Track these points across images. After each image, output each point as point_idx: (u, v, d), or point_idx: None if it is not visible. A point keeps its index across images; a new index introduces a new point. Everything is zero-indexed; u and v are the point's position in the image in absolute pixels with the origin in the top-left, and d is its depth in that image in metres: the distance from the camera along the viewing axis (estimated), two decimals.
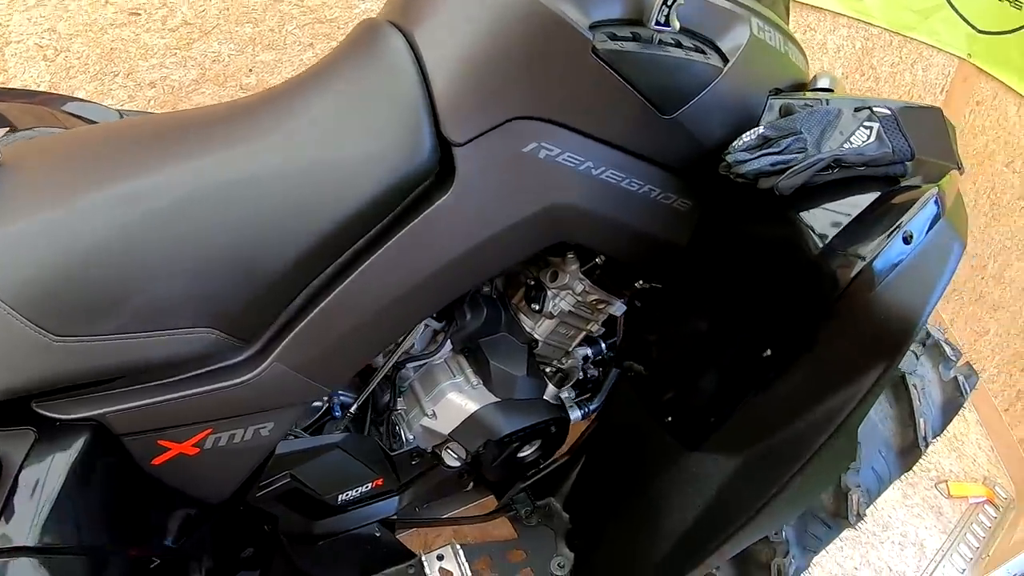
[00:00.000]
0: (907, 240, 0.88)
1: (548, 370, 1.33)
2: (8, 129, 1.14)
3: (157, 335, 0.85)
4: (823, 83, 1.14)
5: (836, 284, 0.89)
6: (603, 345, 1.37)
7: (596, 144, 0.97)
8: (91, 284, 0.82)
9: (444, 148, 0.91)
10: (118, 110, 1.49)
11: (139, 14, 2.06)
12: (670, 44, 0.96)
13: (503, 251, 1.01)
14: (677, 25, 0.93)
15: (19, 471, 0.78)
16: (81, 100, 1.49)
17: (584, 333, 1.30)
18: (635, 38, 0.93)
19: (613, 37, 0.92)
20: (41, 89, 2.13)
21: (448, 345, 1.21)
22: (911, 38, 2.59)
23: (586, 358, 1.36)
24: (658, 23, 0.92)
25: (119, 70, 2.10)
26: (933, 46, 2.58)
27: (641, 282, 1.20)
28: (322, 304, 0.92)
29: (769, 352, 0.95)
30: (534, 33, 0.89)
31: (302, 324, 0.93)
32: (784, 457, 0.95)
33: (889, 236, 0.88)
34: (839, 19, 2.60)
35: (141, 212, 0.83)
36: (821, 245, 0.91)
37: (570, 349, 1.32)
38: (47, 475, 0.80)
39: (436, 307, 1.09)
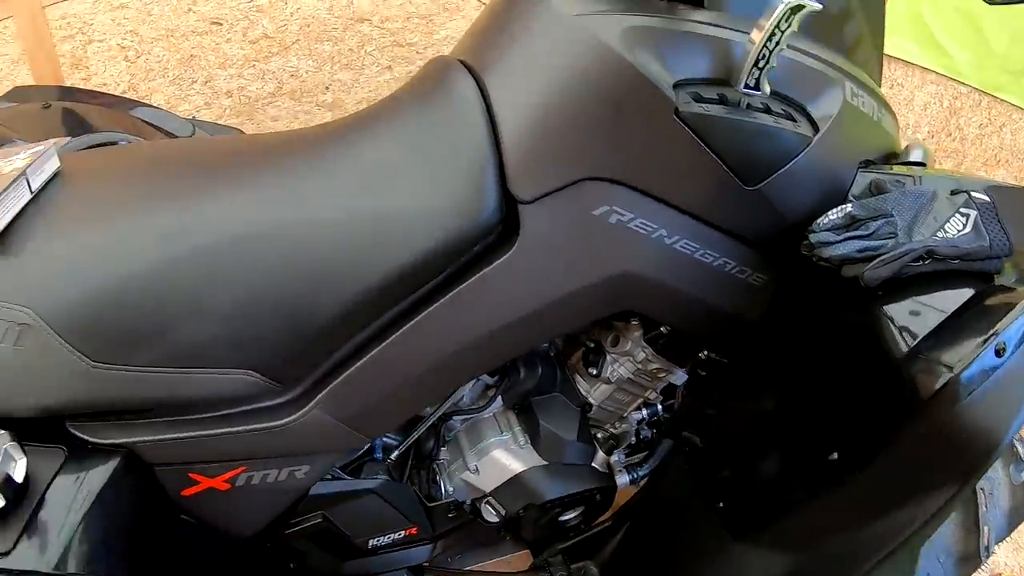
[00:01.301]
0: (999, 352, 0.79)
1: (600, 436, 1.28)
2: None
3: (195, 372, 0.84)
4: (916, 156, 1.06)
5: (918, 394, 0.80)
6: (659, 407, 1.31)
7: (671, 211, 0.91)
8: (132, 314, 0.80)
9: (509, 204, 0.87)
10: (191, 120, 1.51)
11: (221, 24, 2.08)
12: (758, 109, 0.89)
13: (563, 316, 0.96)
14: (768, 90, 0.86)
15: (47, 489, 0.77)
16: (152, 107, 1.55)
17: (641, 400, 1.25)
18: (721, 101, 0.87)
19: (698, 99, 0.86)
20: (119, 91, 2.15)
21: (499, 401, 1.17)
22: (1001, 99, 2.51)
23: (640, 420, 1.31)
24: (747, 86, 0.86)
25: (198, 77, 2.12)
26: None
27: (706, 353, 1.14)
28: (370, 355, 0.89)
29: (836, 456, 0.88)
30: (613, 89, 0.84)
31: (347, 373, 0.89)
32: (836, 568, 0.89)
33: (980, 346, 0.79)
34: (928, 75, 2.53)
35: (188, 246, 0.82)
36: (906, 347, 0.83)
37: (625, 414, 1.27)
38: (75, 496, 0.78)
39: (487, 368, 1.06)
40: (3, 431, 0.75)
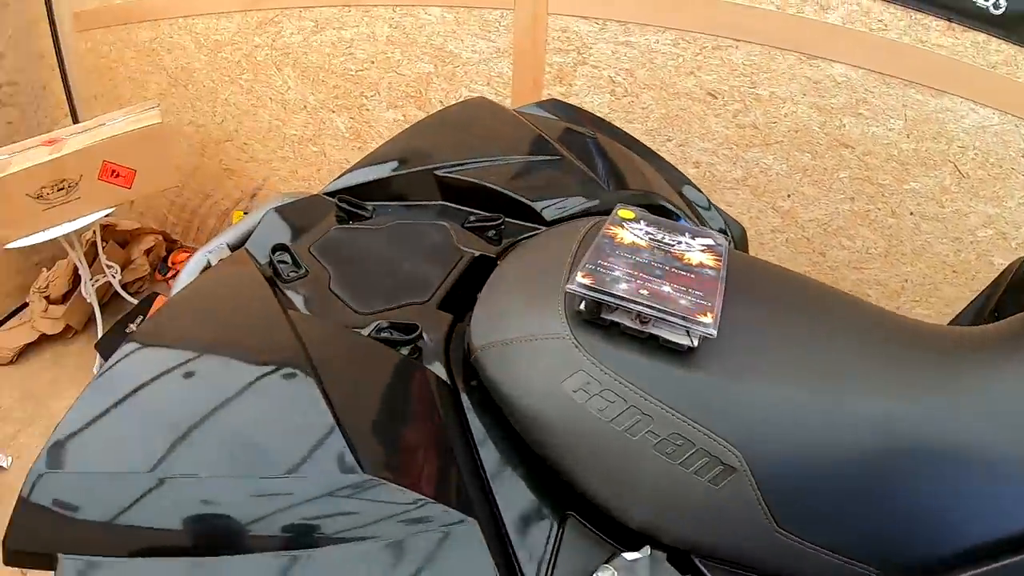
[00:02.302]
0: None
1: None
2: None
3: (836, 557, 0.83)
4: None
5: None
6: None
7: None
8: (830, 491, 0.81)
9: None
10: (721, 213, 1.53)
11: (716, 98, 2.20)
12: None
13: None
14: None
15: None
16: (698, 189, 1.54)
17: None
18: None
19: None
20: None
21: None
22: None
23: None
24: None
25: (673, 137, 2.28)
26: None
27: None
28: None
29: None
30: None
31: None
32: None
33: None
34: None
35: (901, 442, 0.82)
36: None
37: None
38: None
39: None
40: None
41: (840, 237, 2.27)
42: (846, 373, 0.85)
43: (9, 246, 2.65)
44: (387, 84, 2.55)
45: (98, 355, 3.05)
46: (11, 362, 3.25)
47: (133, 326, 3.08)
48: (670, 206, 1.35)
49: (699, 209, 1.50)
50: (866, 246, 2.26)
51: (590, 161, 1.38)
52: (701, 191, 1.53)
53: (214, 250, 1.21)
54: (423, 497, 0.74)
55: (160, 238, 3.59)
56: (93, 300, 3.07)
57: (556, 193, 1.27)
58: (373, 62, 2.54)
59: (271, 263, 1.10)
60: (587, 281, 0.81)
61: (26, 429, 2.91)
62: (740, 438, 0.78)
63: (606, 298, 0.81)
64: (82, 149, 2.62)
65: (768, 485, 0.78)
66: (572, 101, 2.21)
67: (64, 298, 3.29)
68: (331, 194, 1.29)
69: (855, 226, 2.23)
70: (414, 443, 0.81)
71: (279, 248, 1.12)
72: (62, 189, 2.63)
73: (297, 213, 1.24)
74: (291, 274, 1.07)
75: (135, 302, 3.29)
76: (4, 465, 2.73)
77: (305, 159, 2.94)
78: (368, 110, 2.65)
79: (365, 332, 0.95)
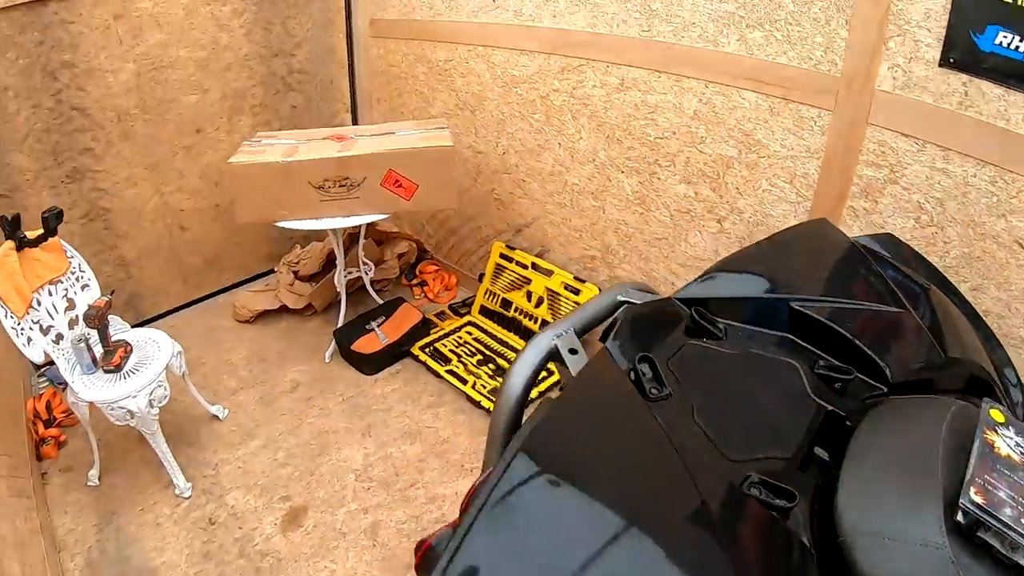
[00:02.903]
0: None
1: None
2: None
3: None
4: None
5: None
6: None
7: None
8: None
9: None
10: None
11: None
12: None
13: None
14: None
15: None
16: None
17: None
18: None
19: None
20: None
21: None
22: None
23: None
24: None
25: (968, 279, 2.16)
26: None
27: None
28: None
29: None
30: None
31: None
32: None
33: None
34: None
35: None
36: None
37: None
38: None
39: None
40: None
41: None
42: None
43: (281, 224, 2.84)
44: (685, 158, 2.59)
45: (333, 341, 3.23)
46: (248, 321, 3.49)
47: (374, 324, 3.25)
48: (996, 387, 1.32)
49: (1008, 383, 1.46)
50: None
51: (925, 317, 1.37)
52: (1015, 370, 1.49)
53: (562, 334, 1.28)
54: None
55: (414, 245, 3.77)
56: (342, 290, 3.25)
57: (900, 353, 1.27)
58: (674, 133, 2.59)
59: (634, 372, 1.13)
60: (979, 500, 0.84)
61: (247, 389, 3.10)
62: None
63: (996, 524, 0.82)
64: (372, 153, 2.78)
65: None
66: (874, 219, 2.20)
67: (311, 278, 3.51)
68: (683, 300, 1.33)
69: None
70: None
71: (643, 359, 1.15)
72: (344, 186, 2.81)
73: (651, 317, 1.29)
74: (653, 391, 1.10)
75: (380, 301, 3.47)
76: (220, 416, 2.93)
77: (581, 210, 3.02)
78: (659, 179, 2.69)
79: (738, 482, 0.97)
